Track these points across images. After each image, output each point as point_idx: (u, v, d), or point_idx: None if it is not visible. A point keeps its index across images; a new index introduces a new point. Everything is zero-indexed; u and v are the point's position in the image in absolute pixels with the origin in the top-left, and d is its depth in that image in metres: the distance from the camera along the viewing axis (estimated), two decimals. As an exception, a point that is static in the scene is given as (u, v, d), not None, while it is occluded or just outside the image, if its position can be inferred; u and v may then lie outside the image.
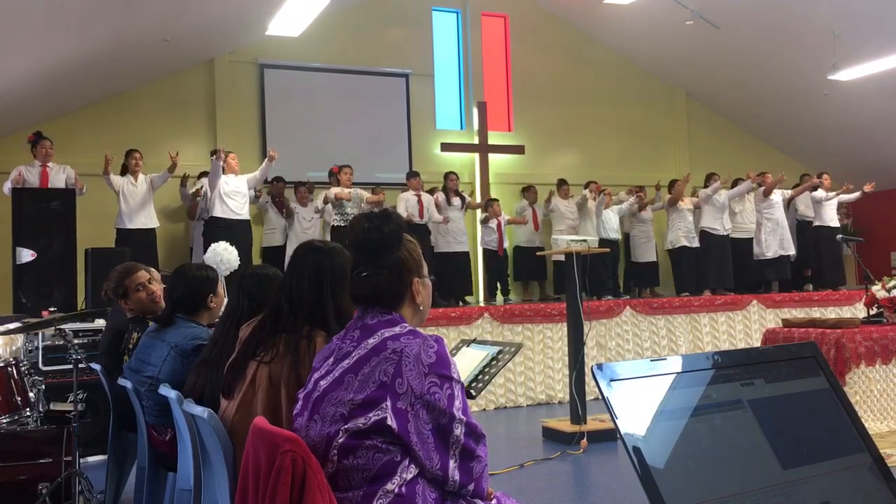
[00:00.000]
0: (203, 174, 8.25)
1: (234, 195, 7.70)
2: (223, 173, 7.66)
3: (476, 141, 10.59)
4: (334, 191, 8.23)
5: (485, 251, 9.63)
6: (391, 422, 1.55)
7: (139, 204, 7.61)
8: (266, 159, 7.87)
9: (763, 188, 9.53)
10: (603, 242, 8.47)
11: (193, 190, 8.44)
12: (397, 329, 1.67)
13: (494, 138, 10.69)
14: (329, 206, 8.26)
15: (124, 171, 7.64)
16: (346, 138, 9.82)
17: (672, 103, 11.93)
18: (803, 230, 10.18)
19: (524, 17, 11.20)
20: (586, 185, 9.65)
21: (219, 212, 7.62)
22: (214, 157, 7.53)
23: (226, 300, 3.39)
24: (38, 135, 7.10)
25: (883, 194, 12.05)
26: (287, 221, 8.79)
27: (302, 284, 2.13)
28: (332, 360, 1.71)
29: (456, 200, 9.09)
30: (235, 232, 7.43)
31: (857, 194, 9.84)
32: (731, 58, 10.47)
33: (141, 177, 7.68)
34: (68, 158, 7.51)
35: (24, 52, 6.65)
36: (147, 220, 7.69)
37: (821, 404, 1.50)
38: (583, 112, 11.22)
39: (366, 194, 8.47)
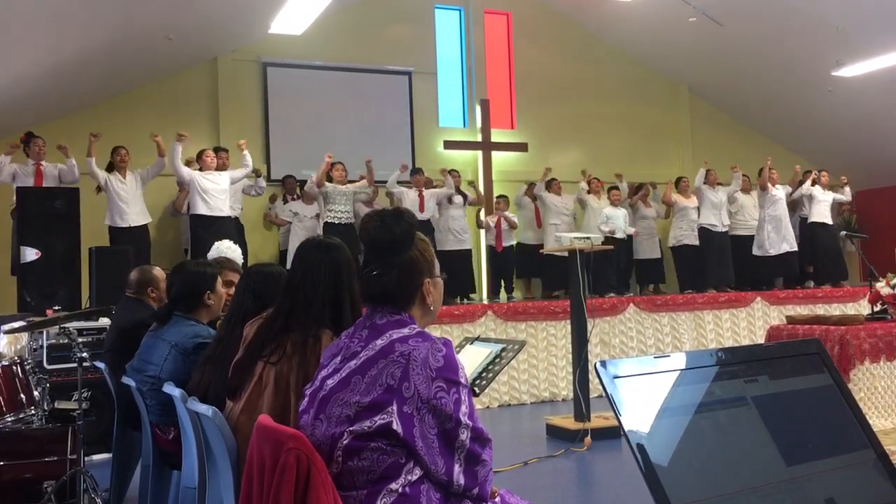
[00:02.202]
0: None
1: (214, 192, 7.51)
2: (201, 170, 7.54)
3: (479, 139, 10.58)
4: (314, 177, 8.17)
5: (488, 248, 9.61)
6: (396, 426, 1.54)
7: (130, 201, 7.49)
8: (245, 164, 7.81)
9: (759, 183, 9.54)
10: (608, 241, 8.43)
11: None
12: (406, 331, 1.66)
13: (497, 136, 10.68)
14: (322, 200, 8.23)
15: (110, 168, 7.47)
16: (348, 136, 9.80)
17: (675, 100, 11.91)
18: (800, 226, 10.17)
19: (527, 15, 11.18)
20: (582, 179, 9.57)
21: (201, 209, 7.49)
22: (176, 140, 7.38)
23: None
24: (29, 135, 7.11)
25: (887, 190, 12.02)
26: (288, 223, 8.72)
27: (318, 283, 2.11)
28: (339, 358, 1.70)
29: (457, 198, 9.05)
30: (219, 229, 7.24)
31: (848, 194, 9.95)
32: (735, 54, 10.44)
33: (129, 174, 7.54)
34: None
35: (26, 52, 6.66)
36: (139, 216, 7.57)
37: (825, 401, 1.50)
38: (586, 109, 11.20)
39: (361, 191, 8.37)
